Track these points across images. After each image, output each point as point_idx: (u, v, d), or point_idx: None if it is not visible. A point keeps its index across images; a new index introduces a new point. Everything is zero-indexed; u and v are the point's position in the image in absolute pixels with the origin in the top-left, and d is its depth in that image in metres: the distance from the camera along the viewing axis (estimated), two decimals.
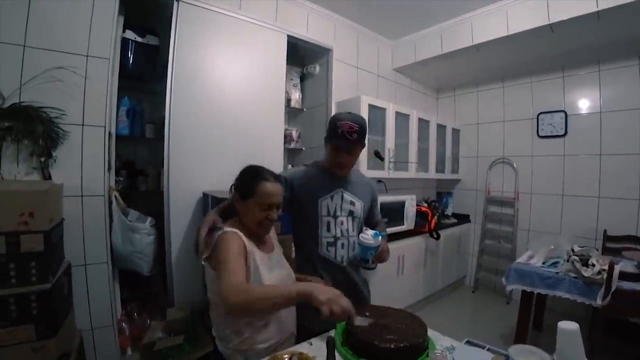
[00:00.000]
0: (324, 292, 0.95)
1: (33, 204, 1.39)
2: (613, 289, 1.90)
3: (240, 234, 1.11)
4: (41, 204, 1.42)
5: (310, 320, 1.26)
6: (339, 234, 1.46)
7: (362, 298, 1.54)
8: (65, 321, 1.57)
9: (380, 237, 1.37)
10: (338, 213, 1.46)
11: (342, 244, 1.46)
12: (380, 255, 1.42)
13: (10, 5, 1.65)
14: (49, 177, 1.73)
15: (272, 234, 1.34)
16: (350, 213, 1.49)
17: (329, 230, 1.45)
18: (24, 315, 1.37)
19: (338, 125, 1.36)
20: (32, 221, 1.38)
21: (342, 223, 1.46)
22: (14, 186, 1.52)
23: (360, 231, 1.50)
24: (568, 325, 0.89)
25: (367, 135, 1.47)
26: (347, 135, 1.35)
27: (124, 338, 2.02)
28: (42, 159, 1.71)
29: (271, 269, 1.17)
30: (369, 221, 1.63)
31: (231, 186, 1.23)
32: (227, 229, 1.12)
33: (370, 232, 1.37)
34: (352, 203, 1.49)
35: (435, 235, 3.36)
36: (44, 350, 1.40)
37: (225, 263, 1.02)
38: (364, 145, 1.46)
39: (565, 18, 2.39)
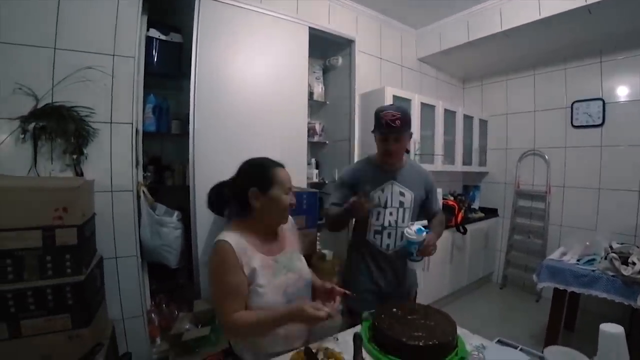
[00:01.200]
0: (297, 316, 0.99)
1: (67, 200, 1.44)
2: None
3: (233, 239, 1.08)
4: (74, 200, 1.47)
5: (354, 303, 1.44)
6: (386, 224, 1.53)
7: (403, 286, 1.61)
8: (98, 311, 1.64)
9: (424, 233, 1.39)
10: (389, 204, 1.53)
11: (389, 233, 1.53)
12: (425, 250, 1.43)
13: (40, 10, 1.71)
14: (81, 174, 1.80)
15: (290, 231, 1.32)
16: (401, 204, 1.54)
17: (377, 218, 1.53)
18: (60, 305, 1.43)
19: (381, 116, 1.45)
20: (66, 216, 1.43)
21: (391, 214, 1.53)
22: (49, 183, 1.59)
23: (415, 220, 1.56)
24: (612, 328, 0.84)
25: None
26: (390, 123, 1.43)
27: (153, 328, 2.09)
28: (75, 157, 1.78)
29: (276, 274, 1.12)
30: (425, 212, 1.67)
31: (211, 201, 1.25)
32: (221, 236, 1.09)
33: (415, 227, 1.41)
34: (401, 194, 1.55)
35: (461, 230, 3.28)
36: (79, 339, 1.47)
37: (219, 289, 1.06)
38: (411, 133, 1.54)
39: None
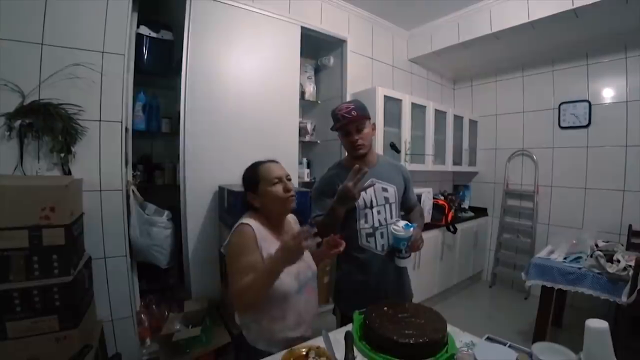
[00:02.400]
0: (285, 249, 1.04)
1: (54, 199, 1.42)
2: (639, 286, 1.83)
3: (254, 224, 1.16)
4: (62, 199, 1.45)
5: (345, 306, 1.45)
6: (377, 224, 1.48)
7: (405, 284, 1.59)
8: (86, 312, 1.61)
9: (411, 229, 1.37)
10: (374, 203, 1.48)
11: (382, 233, 1.48)
12: (413, 245, 1.41)
13: (28, 5, 1.67)
14: (69, 173, 1.77)
15: (295, 224, 1.37)
16: (386, 200, 1.50)
17: (366, 221, 1.48)
18: (48, 306, 1.41)
19: (336, 112, 1.46)
20: (53, 215, 1.41)
21: (379, 212, 1.48)
22: (36, 181, 1.56)
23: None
24: (597, 324, 0.86)
25: (369, 113, 1.51)
26: (346, 115, 1.43)
27: (143, 329, 2.07)
28: (62, 155, 1.74)
29: None
30: (404, 205, 1.64)
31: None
32: (243, 220, 1.18)
33: (402, 223, 1.39)
34: (384, 190, 1.51)
35: (452, 229, 3.31)
36: (67, 340, 1.45)
37: (235, 267, 1.11)
38: (369, 118, 1.50)
39: (590, 2, 2.27)
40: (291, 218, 1.38)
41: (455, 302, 3.46)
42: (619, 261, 1.98)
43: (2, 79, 1.61)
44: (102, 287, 1.90)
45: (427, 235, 3.08)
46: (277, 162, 1.29)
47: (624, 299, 1.86)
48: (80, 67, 1.79)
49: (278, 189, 1.19)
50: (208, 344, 1.87)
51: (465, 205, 4.08)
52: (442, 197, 3.57)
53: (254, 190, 1.21)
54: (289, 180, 1.24)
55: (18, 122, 1.65)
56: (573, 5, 2.35)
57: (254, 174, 1.23)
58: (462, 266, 3.61)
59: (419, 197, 3.04)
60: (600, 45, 3.03)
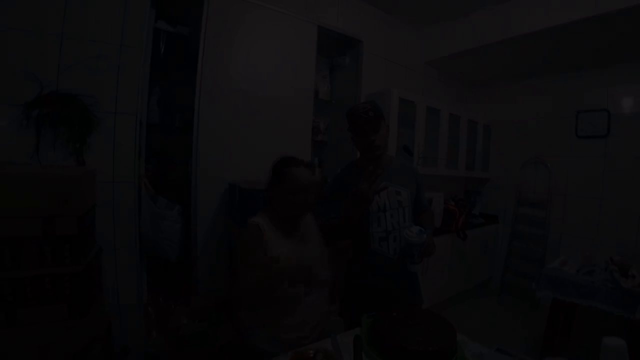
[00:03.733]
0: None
1: (68, 189, 1.43)
2: None
3: (264, 223, 1.21)
4: (76, 189, 1.46)
5: (355, 309, 1.41)
6: (390, 227, 1.46)
7: (416, 290, 1.58)
8: (95, 302, 1.63)
9: (425, 235, 1.35)
10: (387, 207, 1.46)
11: (395, 237, 1.47)
12: (426, 251, 1.39)
13: None
14: (83, 163, 1.79)
15: (314, 222, 1.39)
16: (399, 204, 1.49)
17: (379, 224, 1.46)
18: (58, 294, 1.42)
19: (353, 112, 1.44)
20: (67, 205, 1.42)
21: (392, 216, 1.47)
22: (51, 172, 1.58)
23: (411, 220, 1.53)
24: (614, 342, 0.83)
25: (384, 115, 1.49)
26: (363, 115, 1.41)
27: (150, 322, 2.08)
28: (77, 145, 1.76)
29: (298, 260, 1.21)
30: (415, 209, 1.60)
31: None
32: (255, 218, 1.24)
33: (415, 229, 1.37)
34: (397, 193, 1.49)
35: (461, 235, 3.27)
36: (76, 329, 1.46)
37: (241, 260, 1.22)
38: (385, 120, 1.47)
39: (615, 9, 2.21)
40: (310, 217, 1.40)
41: (463, 309, 3.41)
42: (634, 276, 1.93)
43: (22, 68, 1.64)
44: (111, 278, 1.92)
45: (437, 241, 3.00)
46: (308, 168, 1.33)
47: (638, 315, 1.81)
48: (98, 59, 1.81)
49: (296, 199, 1.22)
50: (214, 340, 1.87)
51: (476, 211, 4.02)
52: (453, 203, 3.52)
53: (276, 184, 1.26)
54: (309, 192, 1.25)
55: (36, 112, 1.67)
56: (596, 11, 2.29)
57: (282, 173, 1.26)
58: (470, 273, 3.57)
59: (430, 201, 3.02)
60: (621, 53, 2.94)
